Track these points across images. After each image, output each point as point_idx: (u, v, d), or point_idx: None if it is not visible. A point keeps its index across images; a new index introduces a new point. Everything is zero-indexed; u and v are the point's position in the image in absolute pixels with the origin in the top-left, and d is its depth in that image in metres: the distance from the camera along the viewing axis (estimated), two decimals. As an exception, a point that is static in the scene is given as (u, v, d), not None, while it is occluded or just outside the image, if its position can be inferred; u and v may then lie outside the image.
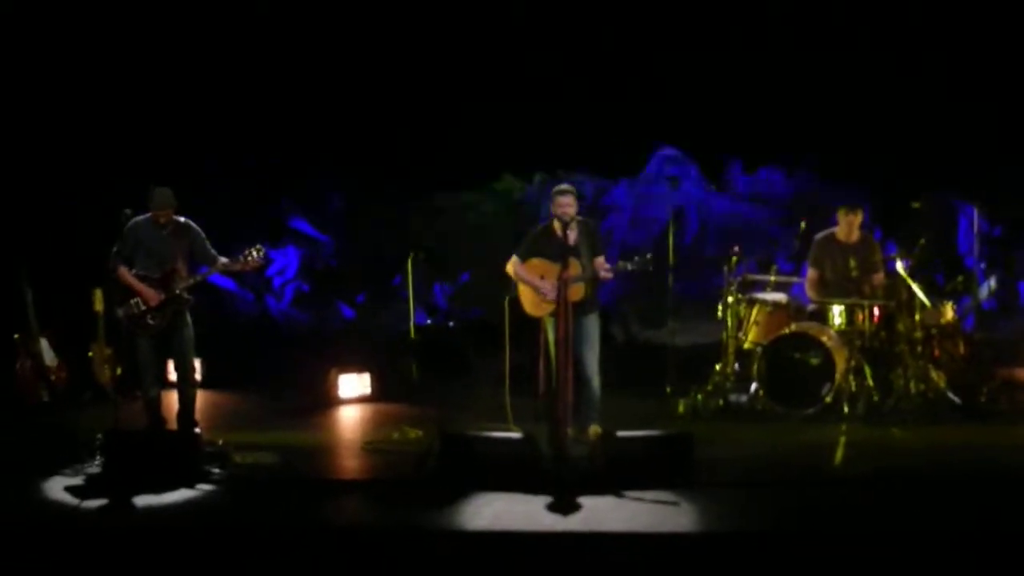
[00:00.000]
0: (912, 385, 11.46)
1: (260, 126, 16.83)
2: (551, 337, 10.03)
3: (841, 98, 15.88)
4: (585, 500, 8.27)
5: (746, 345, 12.04)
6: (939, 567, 7.14)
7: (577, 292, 9.81)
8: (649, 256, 9.92)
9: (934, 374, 11.60)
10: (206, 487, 8.95)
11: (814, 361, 11.40)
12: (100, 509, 8.42)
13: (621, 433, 9.01)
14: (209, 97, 16.70)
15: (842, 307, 11.78)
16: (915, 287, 11.60)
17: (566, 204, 9.98)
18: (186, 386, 10.72)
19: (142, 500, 8.56)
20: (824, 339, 11.39)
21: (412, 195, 18.17)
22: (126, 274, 10.45)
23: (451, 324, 16.48)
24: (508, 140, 16.76)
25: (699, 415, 11.63)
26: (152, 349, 10.61)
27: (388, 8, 16.87)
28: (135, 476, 8.98)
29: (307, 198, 18.44)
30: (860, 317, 11.70)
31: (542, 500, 8.28)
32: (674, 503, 8.18)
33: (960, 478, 8.94)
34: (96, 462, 9.38)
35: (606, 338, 11.11)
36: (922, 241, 12.08)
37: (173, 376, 11.26)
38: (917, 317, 11.69)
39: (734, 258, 12.22)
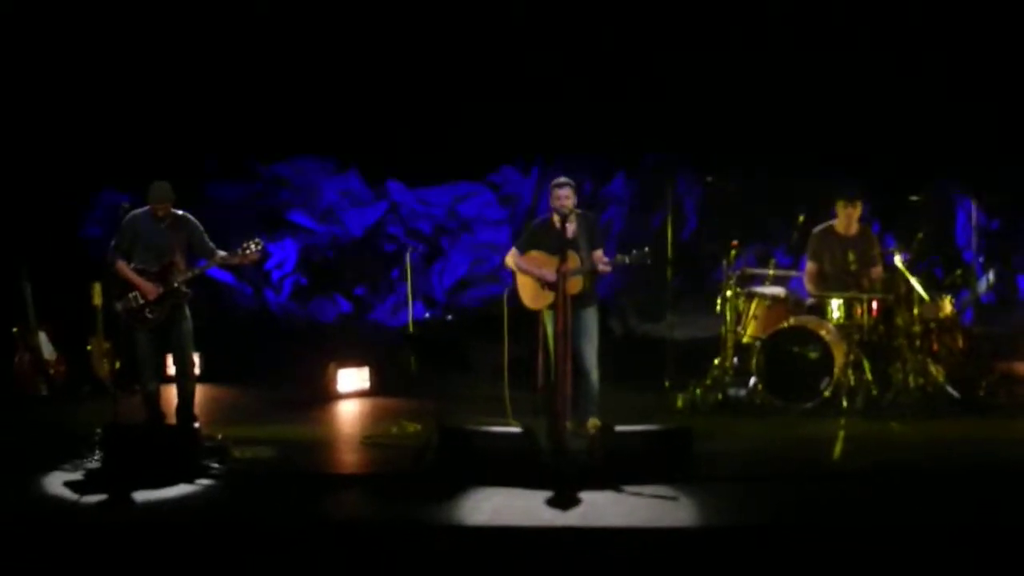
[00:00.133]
0: (911, 379, 11.47)
1: (260, 124, 16.82)
2: (549, 330, 10.04)
3: (840, 93, 15.88)
4: (584, 494, 8.26)
5: (745, 339, 12.05)
6: (938, 561, 7.14)
7: (575, 285, 9.81)
8: (647, 250, 9.91)
9: (933, 368, 11.61)
10: (205, 481, 8.93)
11: (813, 355, 11.40)
12: (99, 504, 8.41)
13: (620, 427, 9.01)
14: (208, 93, 16.69)
15: (841, 301, 11.78)
16: (914, 281, 11.60)
17: (564, 197, 9.98)
18: (185, 380, 10.72)
19: (141, 495, 8.55)
20: (823, 333, 11.39)
21: (411, 189, 18.19)
22: (124, 268, 10.44)
23: (449, 318, 16.50)
24: (503, 133, 16.77)
25: (698, 409, 11.65)
26: (151, 343, 10.60)
27: (388, 7, 16.86)
28: (134, 471, 8.97)
29: (305, 191, 18.43)
30: (859, 311, 11.71)
31: (541, 494, 8.27)
32: (673, 497, 8.18)
33: (959, 472, 8.95)
34: (95, 456, 9.35)
35: (604, 332, 11.13)
36: (920, 235, 12.09)
37: (172, 370, 11.26)
38: (916, 311, 11.70)
39: (733, 252, 12.23)
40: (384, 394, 13.15)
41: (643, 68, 16.42)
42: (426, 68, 16.96)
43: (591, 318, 10.23)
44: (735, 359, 12.17)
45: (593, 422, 9.94)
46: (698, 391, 11.85)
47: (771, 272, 12.48)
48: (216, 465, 9.25)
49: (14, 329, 12.93)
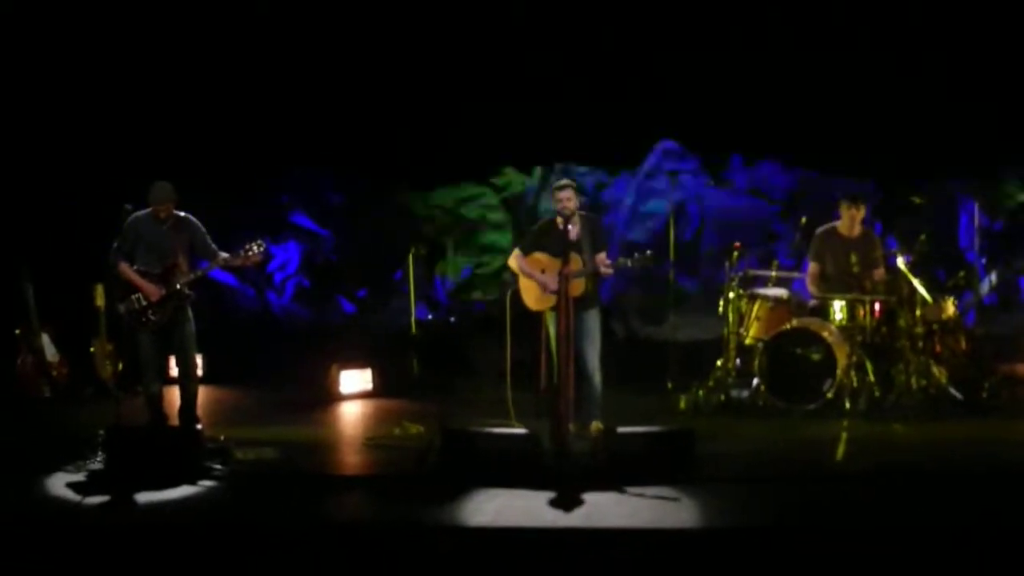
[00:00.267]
0: (913, 381, 11.46)
1: (261, 123, 16.82)
2: (552, 332, 10.06)
3: (841, 94, 15.87)
4: (587, 496, 8.26)
5: (747, 341, 12.05)
6: (941, 563, 7.14)
7: (577, 287, 9.82)
8: (649, 253, 9.92)
9: (935, 370, 11.60)
10: (208, 483, 8.94)
11: (815, 357, 11.40)
12: (102, 505, 8.41)
13: (622, 429, 9.00)
14: (210, 93, 16.70)
15: (843, 303, 11.79)
16: (916, 282, 11.60)
17: (565, 198, 10.00)
18: (187, 382, 10.71)
19: (144, 496, 8.55)
20: (825, 335, 11.39)
21: (413, 190, 18.20)
22: (127, 269, 10.44)
23: (452, 319, 16.50)
24: (505, 135, 16.77)
25: (700, 411, 11.64)
26: (153, 345, 10.60)
27: (389, 7, 16.87)
28: (137, 472, 8.98)
29: (308, 193, 18.44)
30: (861, 313, 11.71)
31: (544, 496, 8.28)
32: (676, 499, 8.18)
33: (961, 474, 8.95)
34: (97, 458, 9.36)
35: (607, 334, 11.13)
36: (923, 236, 12.08)
37: (174, 372, 11.26)
38: (918, 312, 11.69)
39: (735, 253, 12.23)
40: (387, 396, 13.15)
41: (644, 69, 16.42)
42: (428, 70, 16.96)
43: (594, 320, 10.24)
44: (738, 361, 12.17)
45: (596, 424, 9.96)
46: (701, 393, 11.85)
47: (774, 274, 12.47)
48: (219, 466, 9.26)
49: (17, 331, 12.94)
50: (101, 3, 16.08)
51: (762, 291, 12.25)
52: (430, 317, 16.57)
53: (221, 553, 7.63)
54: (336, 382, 13.05)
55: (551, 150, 17.38)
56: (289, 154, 17.75)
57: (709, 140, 16.74)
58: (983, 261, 15.26)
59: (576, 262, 9.85)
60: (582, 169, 17.37)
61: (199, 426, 10.19)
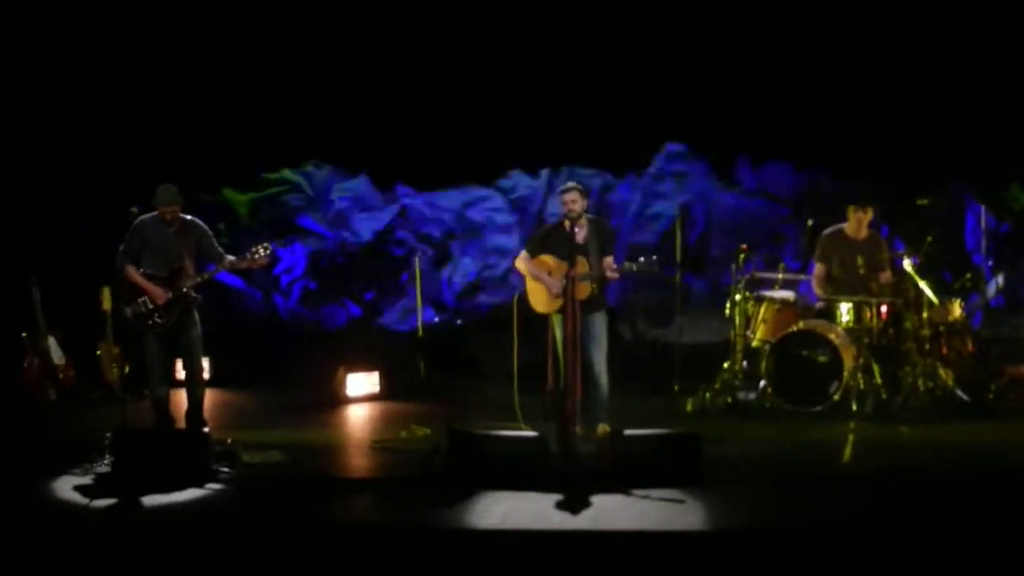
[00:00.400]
0: (920, 383, 11.46)
1: (263, 125, 16.83)
2: (558, 335, 10.08)
3: (847, 95, 15.88)
4: (594, 498, 8.26)
5: (754, 343, 12.05)
6: (948, 565, 7.14)
7: (583, 290, 9.83)
8: (655, 258, 9.93)
9: (942, 372, 11.60)
10: (215, 486, 8.94)
11: (822, 359, 11.40)
12: (109, 508, 8.41)
13: (629, 431, 9.00)
14: (213, 96, 16.71)
15: (850, 305, 11.78)
16: (923, 284, 11.59)
17: (571, 201, 10.02)
18: (194, 385, 10.73)
19: (151, 499, 8.55)
20: (832, 337, 11.38)
21: (421, 193, 18.21)
22: (133, 273, 10.46)
23: (459, 322, 16.50)
24: (512, 138, 16.77)
25: (707, 413, 11.64)
26: (160, 348, 10.61)
27: (390, 7, 16.87)
28: (144, 475, 8.98)
29: (314, 196, 18.45)
30: (868, 315, 11.70)
31: (551, 498, 8.27)
32: (682, 501, 8.17)
33: (968, 475, 8.94)
34: (105, 461, 9.37)
35: (613, 336, 11.13)
36: (929, 238, 12.08)
37: (181, 375, 11.26)
38: (925, 314, 11.69)
39: (742, 255, 12.23)
40: (393, 398, 13.14)
41: (651, 71, 16.42)
42: (435, 72, 16.97)
43: (600, 323, 10.26)
44: (744, 363, 12.16)
45: (603, 427, 9.95)
46: (707, 395, 11.84)
47: (780, 276, 12.46)
48: (225, 469, 9.27)
49: (23, 334, 12.95)
50: (104, 4, 16.09)
51: (769, 293, 12.25)
52: (437, 320, 16.58)
53: (228, 556, 7.64)
54: (343, 385, 13.05)
55: (557, 152, 17.38)
56: (291, 156, 17.78)
57: (715, 142, 16.74)
58: (990, 263, 15.24)
59: (582, 265, 9.87)
60: (588, 171, 17.36)
61: (206, 429, 10.22)
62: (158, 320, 10.44)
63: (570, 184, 10.20)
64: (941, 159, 15.73)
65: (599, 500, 8.24)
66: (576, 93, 16.66)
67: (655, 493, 8.30)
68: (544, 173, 17.97)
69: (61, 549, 7.73)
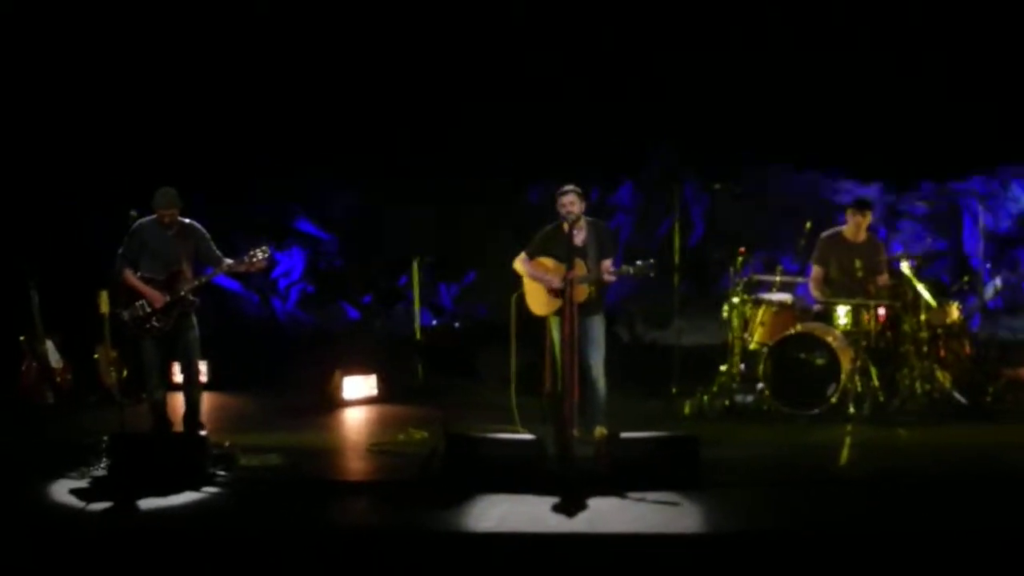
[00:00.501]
0: (918, 385, 11.45)
1: (263, 127, 16.83)
2: (556, 337, 10.07)
3: (845, 97, 15.88)
4: (591, 501, 8.26)
5: (752, 346, 12.04)
6: (945, 568, 7.14)
7: (581, 293, 9.82)
8: (652, 262, 9.92)
9: (940, 374, 11.59)
10: (212, 489, 8.94)
11: (820, 361, 11.39)
12: (106, 512, 8.41)
13: (626, 434, 9.01)
14: (213, 98, 16.71)
15: (847, 307, 11.78)
16: (920, 287, 11.59)
17: (569, 203, 10.01)
18: (192, 388, 10.72)
19: (147, 503, 8.55)
20: (830, 339, 11.38)
21: (417, 195, 18.19)
22: (131, 276, 10.45)
23: (457, 325, 16.49)
24: (512, 140, 16.77)
25: (705, 416, 11.63)
26: (157, 351, 10.60)
27: (390, 9, 16.88)
28: (140, 479, 8.98)
29: (312, 199, 18.45)
30: (866, 317, 11.70)
31: (548, 501, 8.28)
32: (680, 504, 8.18)
33: (966, 478, 8.95)
34: (102, 465, 9.38)
35: (611, 339, 11.13)
36: (928, 240, 12.07)
37: (179, 378, 11.26)
38: (923, 317, 11.68)
39: (739, 258, 12.22)
40: (391, 401, 13.13)
41: (648, 73, 16.43)
42: (433, 74, 16.97)
43: (598, 325, 10.25)
44: (742, 366, 12.16)
45: (600, 429, 9.95)
46: (705, 398, 11.84)
47: (778, 279, 12.45)
48: (223, 473, 9.27)
49: (21, 337, 12.94)
50: (105, 7, 16.10)
51: (766, 296, 12.25)
52: (435, 323, 16.57)
53: (225, 560, 7.64)
54: (340, 388, 13.04)
55: (555, 154, 17.36)
56: (294, 160, 17.78)
57: (715, 143, 16.74)
58: (987, 266, 15.24)
59: (580, 268, 9.86)
60: (586, 173, 17.33)
61: (203, 432, 10.21)
62: (156, 323, 10.43)
63: (569, 186, 10.19)
64: (939, 161, 15.73)
65: (596, 503, 8.25)
66: (576, 93, 16.66)
67: (652, 496, 8.30)
68: (542, 176, 17.95)
69: (58, 552, 7.73)
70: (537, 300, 10.32)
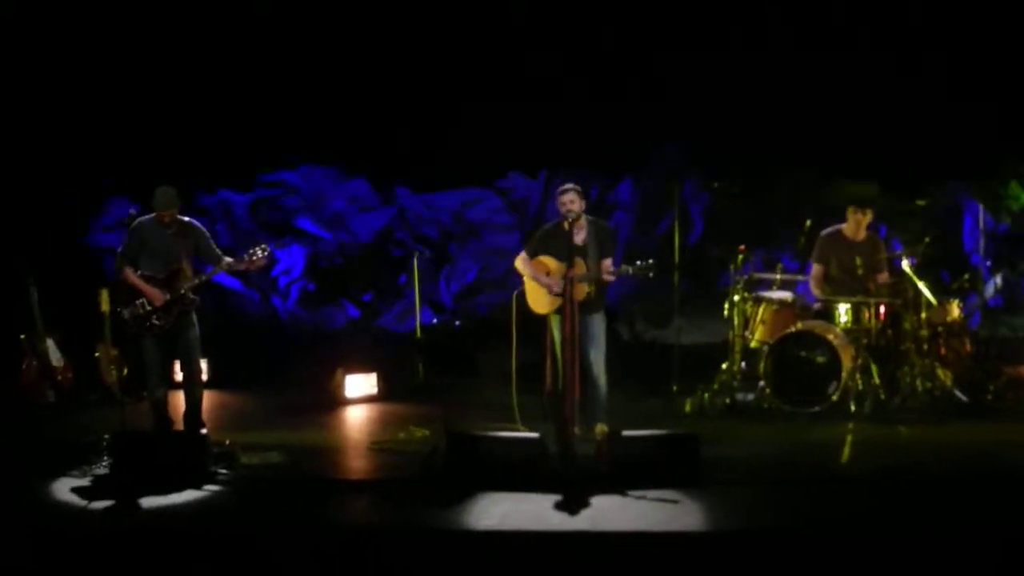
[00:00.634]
0: (918, 383, 11.45)
1: (262, 125, 16.83)
2: (556, 335, 10.08)
3: (844, 96, 15.89)
4: (592, 499, 8.27)
5: (752, 344, 12.03)
6: (946, 566, 7.14)
7: (581, 292, 9.82)
8: (651, 262, 9.93)
9: (940, 372, 11.59)
10: (213, 487, 8.94)
11: (820, 359, 11.39)
12: (107, 510, 8.42)
13: (627, 432, 9.01)
14: (212, 96, 16.71)
15: (848, 305, 11.77)
16: (921, 285, 11.58)
17: (568, 201, 10.02)
18: (192, 386, 10.72)
19: (149, 501, 8.56)
20: (830, 337, 11.38)
21: (416, 194, 18.21)
22: (131, 275, 10.45)
23: (457, 323, 16.49)
24: (511, 139, 16.77)
25: (705, 414, 11.63)
26: (158, 349, 10.60)
27: (390, 8, 16.88)
28: (142, 477, 8.98)
29: (311, 197, 18.45)
30: (866, 315, 11.69)
31: (549, 499, 8.28)
32: (681, 502, 8.18)
33: (967, 476, 8.95)
34: (103, 463, 9.38)
35: (612, 337, 11.13)
36: (927, 239, 12.08)
37: (179, 376, 11.26)
38: (923, 315, 11.68)
39: (740, 256, 12.22)
40: (392, 400, 13.12)
41: (647, 71, 16.43)
42: (433, 73, 16.98)
43: (598, 324, 10.26)
44: (743, 364, 12.15)
45: (601, 427, 9.95)
46: (706, 396, 11.84)
47: (778, 277, 12.45)
48: (224, 471, 9.27)
49: (22, 336, 12.94)
50: (104, 4, 16.09)
51: (767, 294, 12.24)
52: (435, 321, 16.57)
53: (226, 557, 7.64)
54: (341, 386, 13.03)
55: (555, 153, 17.38)
56: (294, 158, 17.79)
57: (714, 142, 16.74)
58: (988, 264, 15.24)
59: (580, 267, 9.86)
60: (586, 172, 17.34)
61: (204, 431, 10.22)
62: (156, 322, 10.43)
63: (569, 185, 10.20)
64: (940, 159, 15.73)
65: (597, 501, 8.25)
66: (576, 93, 16.66)
67: (653, 494, 8.30)
68: (542, 174, 17.97)
69: (59, 551, 7.74)
70: (538, 298, 10.34)
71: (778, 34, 16.12)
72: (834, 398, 11.24)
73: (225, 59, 16.60)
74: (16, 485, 9.17)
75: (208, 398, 11.23)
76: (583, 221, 10.19)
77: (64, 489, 8.92)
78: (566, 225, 9.89)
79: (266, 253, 10.51)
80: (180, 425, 10.73)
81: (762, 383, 11.64)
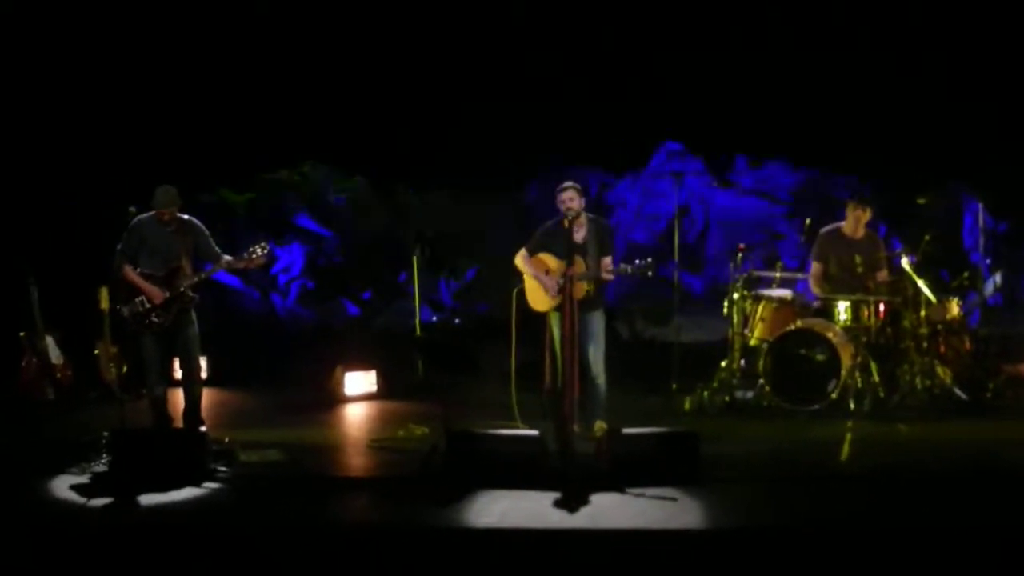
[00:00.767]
0: (918, 381, 11.45)
1: (262, 125, 16.83)
2: (556, 333, 10.08)
3: (845, 94, 15.90)
4: (591, 497, 8.27)
5: (752, 341, 12.03)
6: (945, 564, 7.14)
7: (580, 290, 9.82)
8: (650, 261, 9.93)
9: (940, 370, 11.59)
10: (212, 485, 8.94)
11: (820, 357, 11.38)
12: (106, 508, 8.42)
13: (627, 430, 9.01)
14: (212, 94, 16.71)
15: (848, 303, 11.77)
16: (921, 283, 11.58)
17: (568, 199, 10.02)
18: (191, 384, 10.71)
19: (148, 499, 8.56)
20: (830, 335, 11.37)
21: (417, 192, 18.21)
22: (131, 273, 10.44)
23: (457, 321, 16.49)
24: (511, 137, 16.78)
25: (705, 412, 11.63)
26: (157, 347, 10.60)
27: (391, 8, 16.88)
28: (141, 475, 8.98)
29: (313, 195, 18.46)
30: (866, 313, 11.69)
31: (549, 497, 8.28)
32: (680, 500, 8.18)
33: (966, 474, 8.95)
34: (102, 461, 9.37)
35: (611, 335, 11.14)
36: (927, 237, 12.07)
37: (179, 374, 11.26)
38: (923, 313, 11.67)
39: (739, 254, 12.22)
40: (391, 398, 13.12)
41: (648, 70, 16.44)
42: (433, 73, 16.98)
43: (597, 322, 10.26)
44: (742, 362, 12.15)
45: (600, 425, 9.97)
46: (705, 394, 11.84)
47: (778, 275, 12.45)
48: (223, 468, 9.27)
49: (21, 334, 12.93)
50: (103, 4, 16.09)
51: (766, 292, 12.24)
52: (435, 319, 16.57)
53: (225, 555, 7.64)
54: (340, 384, 13.03)
55: (554, 151, 17.38)
56: (290, 156, 17.79)
57: (713, 141, 16.76)
58: (987, 262, 15.23)
59: (580, 265, 9.86)
60: (586, 170, 17.36)
61: (203, 428, 10.23)
62: (155, 319, 10.43)
63: (568, 183, 10.20)
64: (940, 158, 15.73)
65: (597, 499, 8.25)
66: (576, 93, 16.66)
67: (653, 492, 8.30)
68: (542, 172, 17.97)
69: (58, 548, 7.73)
70: (537, 296, 10.33)
71: (778, 34, 16.12)
72: (833, 396, 11.24)
73: (225, 58, 16.60)
74: (15, 483, 9.16)
75: (207, 396, 11.22)
76: (583, 219, 10.19)
77: (63, 487, 8.92)
78: (566, 223, 9.90)
79: (265, 251, 10.50)
80: (179, 423, 10.72)
81: (761, 381, 11.64)
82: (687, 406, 11.75)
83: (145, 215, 10.51)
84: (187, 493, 8.72)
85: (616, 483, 8.47)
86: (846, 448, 10.07)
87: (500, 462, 8.80)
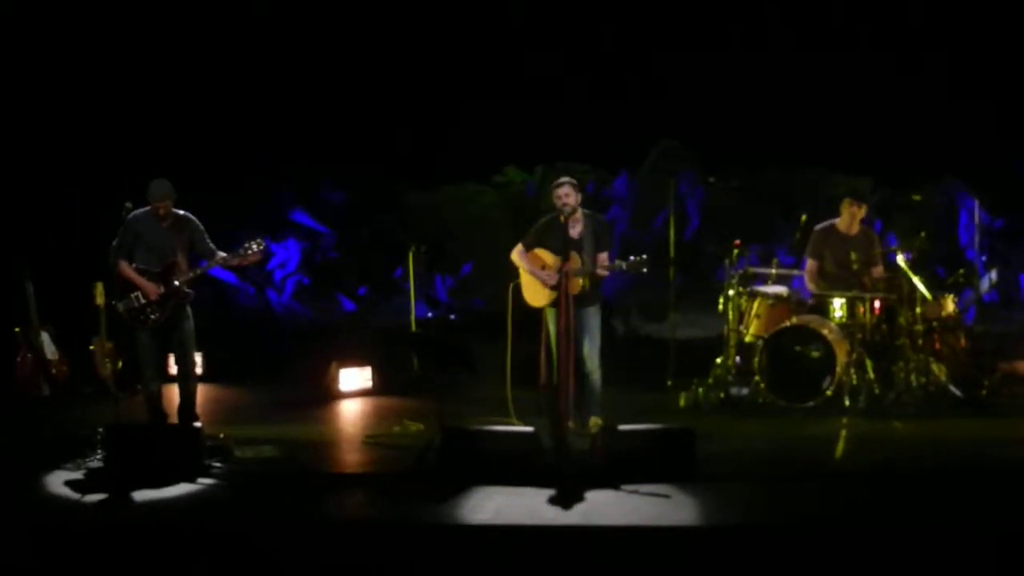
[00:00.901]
0: (913, 378, 11.46)
1: (261, 121, 16.82)
2: (552, 329, 10.08)
3: (841, 93, 15.90)
4: (586, 494, 8.27)
5: (747, 338, 12.04)
6: (941, 561, 7.14)
7: (576, 285, 9.82)
8: (644, 257, 9.93)
9: (935, 367, 11.60)
10: (207, 481, 8.94)
11: (815, 354, 11.39)
12: (101, 503, 8.41)
13: (622, 426, 9.00)
14: (211, 92, 16.70)
15: (843, 300, 11.77)
16: (916, 280, 11.59)
17: (564, 195, 10.04)
18: (187, 380, 10.71)
19: (143, 495, 8.55)
20: (825, 332, 11.38)
21: (414, 188, 18.20)
22: (126, 268, 10.44)
23: (452, 317, 16.48)
24: (509, 134, 16.77)
25: (700, 408, 11.64)
26: (153, 343, 10.59)
27: (390, 7, 16.87)
28: (136, 470, 8.97)
29: (308, 191, 18.44)
30: (861, 310, 11.70)
31: (544, 494, 8.28)
32: (675, 496, 8.17)
33: (961, 471, 8.95)
34: (97, 456, 9.36)
35: (607, 331, 11.13)
36: (923, 234, 12.08)
37: (174, 370, 11.25)
38: (918, 310, 11.69)
39: (735, 251, 12.22)
40: (386, 394, 13.14)
41: (644, 68, 16.44)
42: (432, 70, 16.97)
43: (593, 317, 10.26)
44: (737, 358, 12.16)
45: (595, 421, 9.98)
46: (700, 390, 11.85)
47: (773, 271, 12.46)
48: (218, 465, 9.26)
49: (16, 329, 12.92)
50: (103, 4, 16.07)
51: (762, 289, 12.25)
52: (430, 315, 16.56)
53: (220, 551, 7.63)
54: (336, 380, 13.03)
55: (552, 149, 17.37)
56: (289, 152, 17.76)
57: (709, 138, 16.74)
58: (983, 259, 15.24)
59: (576, 260, 9.87)
60: (583, 167, 17.34)
61: (198, 424, 10.18)
62: (151, 315, 10.43)
63: (564, 179, 10.21)
64: (935, 155, 15.73)
65: (592, 495, 8.25)
66: (570, 90, 16.67)
67: (647, 488, 8.30)
68: (539, 169, 17.96)
69: (53, 544, 7.72)
70: (533, 292, 10.33)
71: (778, 34, 16.12)
72: (828, 393, 11.25)
73: (226, 57, 16.58)
74: (10, 478, 9.15)
75: (202, 392, 11.24)
76: (579, 214, 10.19)
77: (58, 482, 8.91)
78: (562, 219, 9.90)
79: (261, 248, 10.50)
80: (174, 418, 10.71)
81: (757, 378, 11.64)
82: (682, 403, 11.76)
83: (140, 210, 10.49)
84: (182, 489, 8.71)
85: (611, 479, 8.47)
86: (841, 445, 10.07)
87: (495, 458, 8.78)
